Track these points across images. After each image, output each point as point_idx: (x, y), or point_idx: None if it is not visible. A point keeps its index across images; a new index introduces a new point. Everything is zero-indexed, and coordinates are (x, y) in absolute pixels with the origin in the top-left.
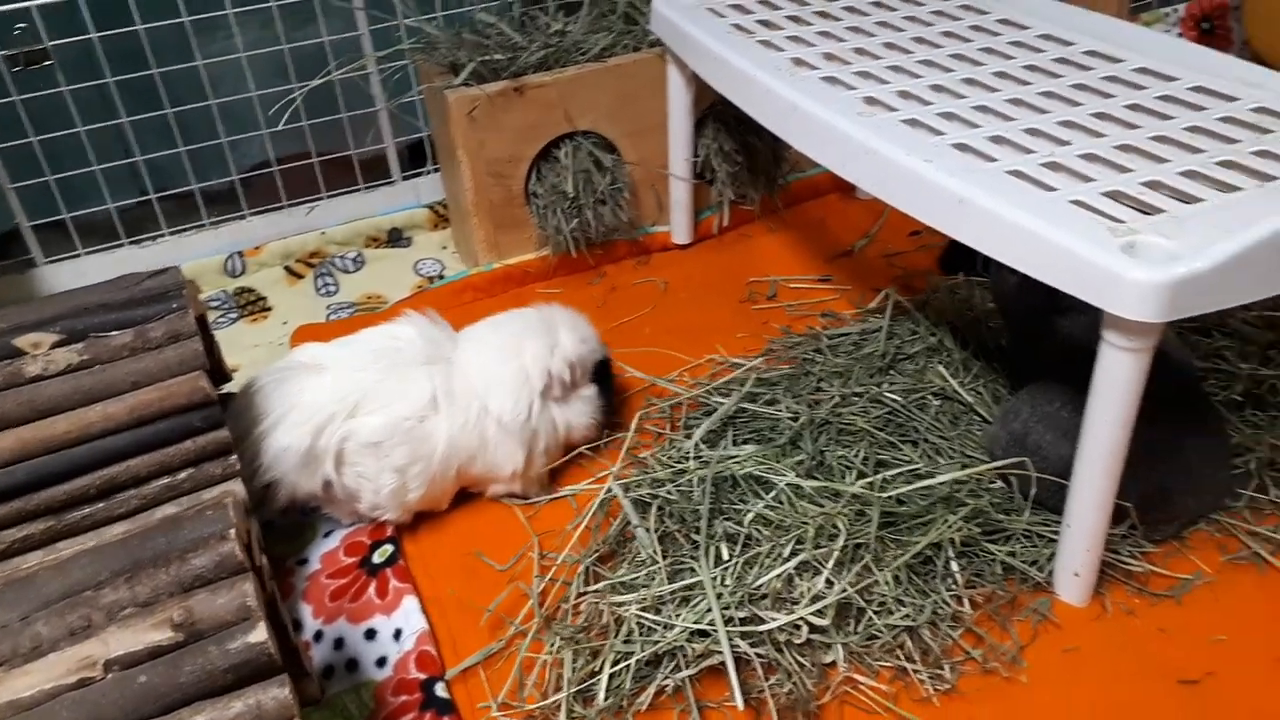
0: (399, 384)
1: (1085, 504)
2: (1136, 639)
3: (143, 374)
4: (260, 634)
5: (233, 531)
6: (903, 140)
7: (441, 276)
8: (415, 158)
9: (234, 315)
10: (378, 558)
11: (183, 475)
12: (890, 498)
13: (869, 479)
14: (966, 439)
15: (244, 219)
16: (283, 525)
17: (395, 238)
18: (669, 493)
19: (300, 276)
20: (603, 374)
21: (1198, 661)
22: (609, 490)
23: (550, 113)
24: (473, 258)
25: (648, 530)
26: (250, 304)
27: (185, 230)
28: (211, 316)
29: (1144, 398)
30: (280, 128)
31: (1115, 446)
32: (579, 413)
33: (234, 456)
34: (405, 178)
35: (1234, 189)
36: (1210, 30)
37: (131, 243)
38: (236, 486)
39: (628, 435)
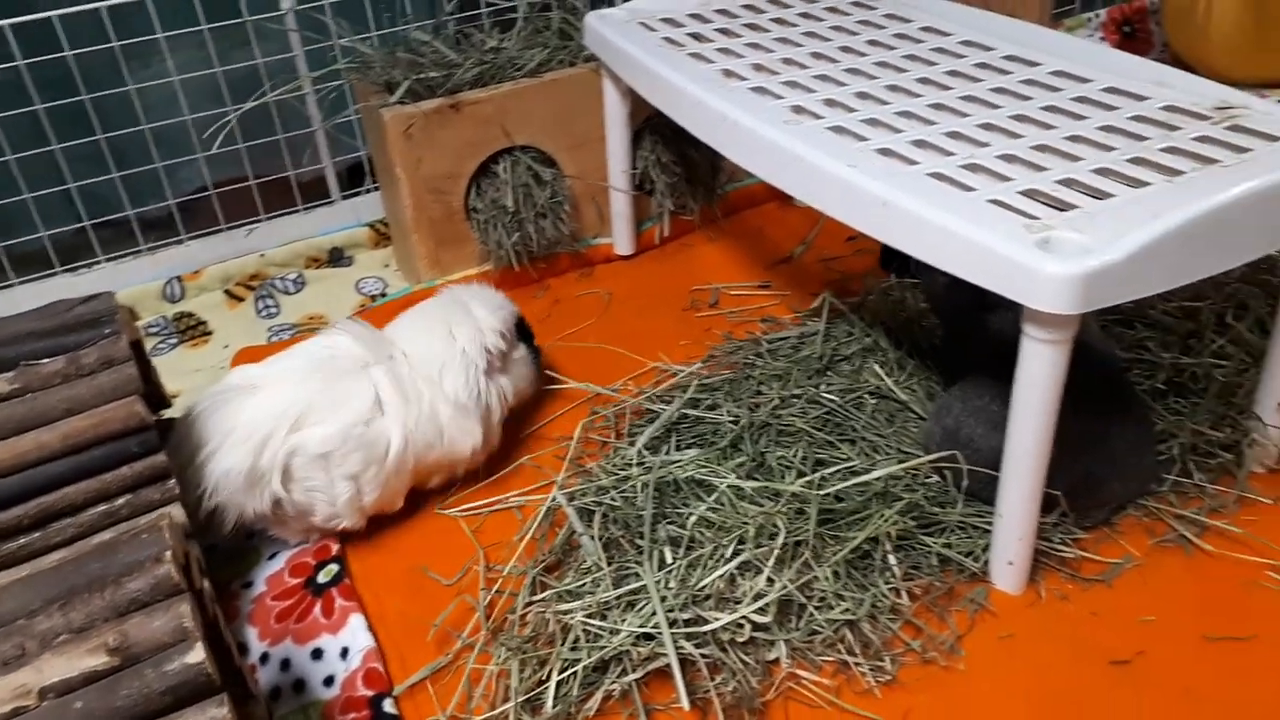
0: (342, 391)
1: (1015, 494)
2: (1070, 623)
3: (76, 401)
4: (198, 654)
5: (168, 554)
6: (828, 147)
7: (384, 295)
8: (355, 177)
9: (174, 341)
10: (323, 577)
11: (120, 501)
12: (828, 495)
13: (808, 478)
14: (903, 435)
15: (182, 244)
16: (227, 549)
17: (336, 257)
18: (613, 499)
19: (240, 299)
20: (523, 331)
21: (1128, 642)
22: (554, 500)
23: (487, 128)
24: (415, 275)
25: (592, 538)
26: (190, 329)
27: (122, 257)
28: (151, 343)
29: (1070, 389)
30: (217, 151)
31: (1041, 437)
32: (519, 376)
33: (173, 481)
34: (345, 197)
35: (1144, 184)
36: (1131, 33)
37: (67, 270)
38: (175, 510)
39: (571, 445)
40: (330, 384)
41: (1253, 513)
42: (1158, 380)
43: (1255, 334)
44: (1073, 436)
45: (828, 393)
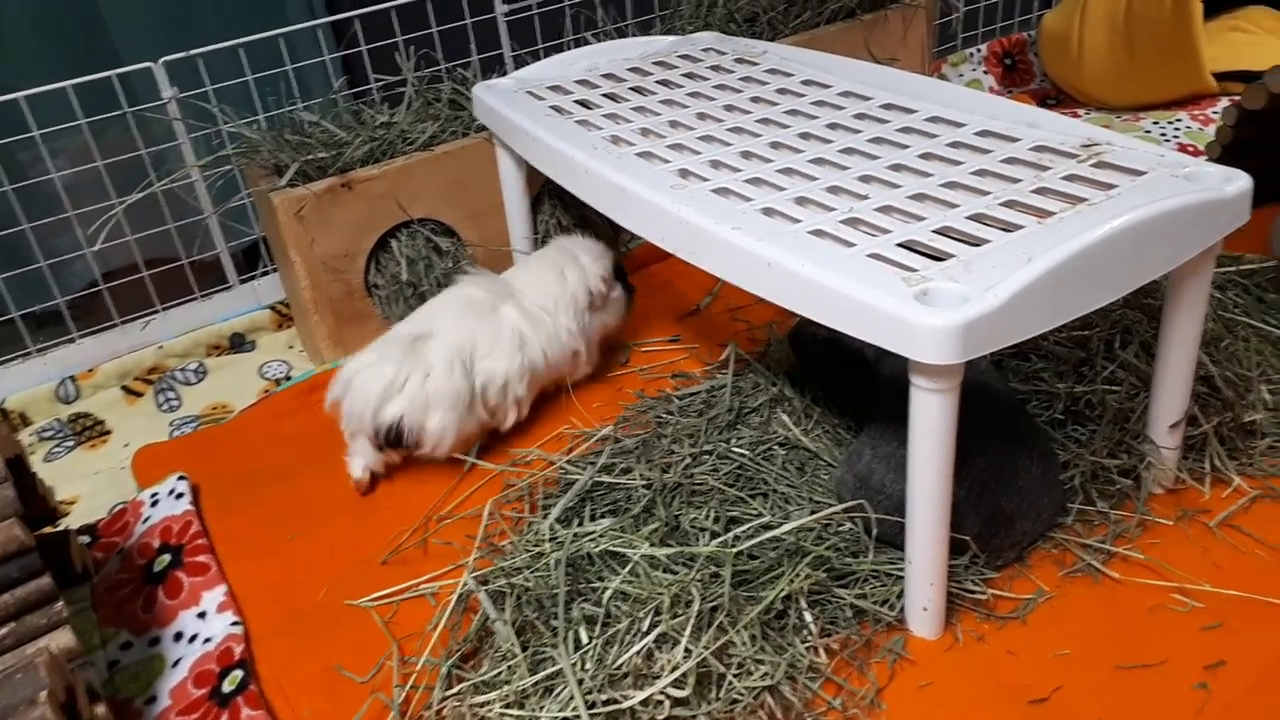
0: (493, 329)
1: (922, 540)
2: (987, 664)
3: None
4: None
5: (44, 694)
6: (713, 210)
7: (289, 378)
8: (252, 259)
9: (70, 444)
10: (227, 686)
11: (3, 631)
12: (741, 553)
13: (721, 538)
14: (814, 485)
15: (74, 342)
16: (128, 663)
17: (238, 343)
18: (526, 580)
19: (139, 395)
20: (621, 274)
21: (1045, 679)
22: (465, 585)
23: (382, 204)
24: (319, 356)
25: (506, 623)
26: (87, 430)
27: (9, 360)
28: (46, 448)
29: (971, 429)
30: (106, 244)
31: (941, 482)
32: (614, 313)
33: (60, 604)
34: (243, 281)
35: (1017, 227)
36: (1013, 65)
37: None
38: (61, 637)
39: (481, 524)
40: (481, 324)
41: (1155, 535)
42: (1055, 411)
43: (1141, 359)
44: (980, 476)
45: (738, 447)
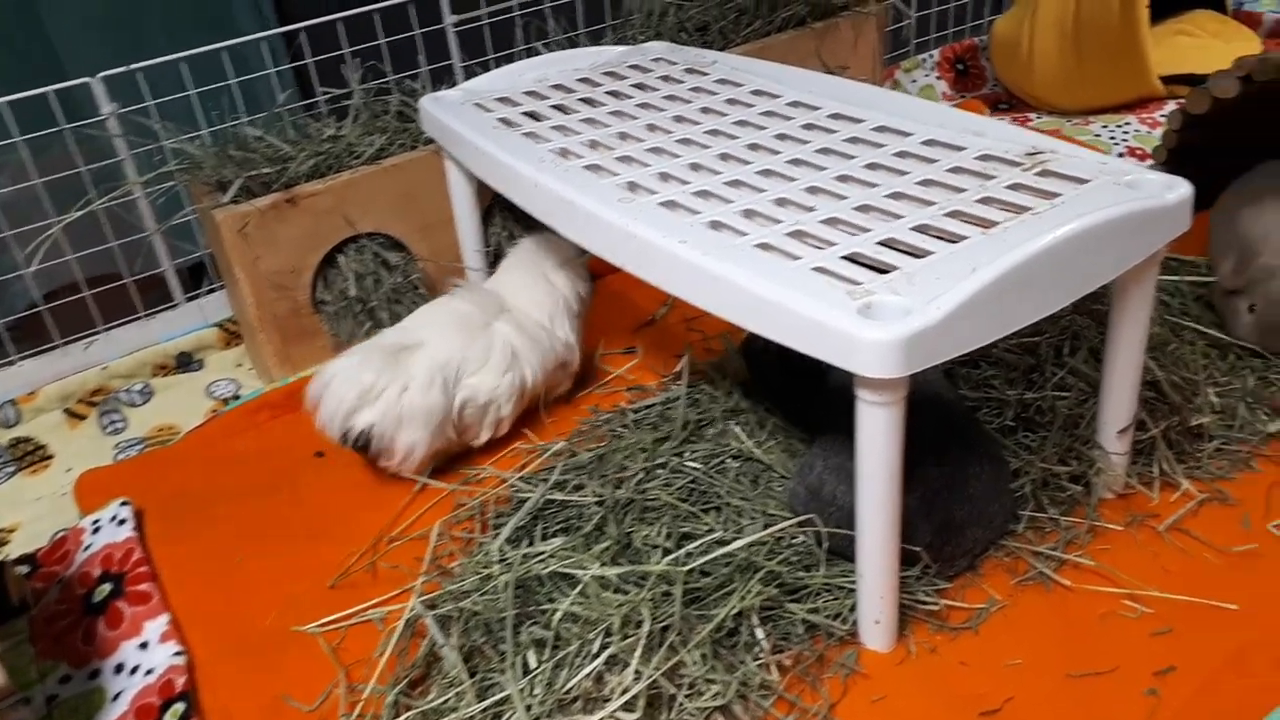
0: (483, 346)
1: (873, 552)
2: (940, 677)
3: None
4: None
5: None
6: (660, 224)
7: (237, 397)
8: (199, 276)
9: (11, 469)
10: (169, 719)
11: None
12: (692, 570)
13: (673, 555)
14: (768, 498)
15: (14, 364)
16: (67, 697)
17: (185, 362)
18: (474, 603)
19: (82, 418)
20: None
21: (997, 690)
22: (413, 609)
23: (328, 219)
24: (267, 374)
25: (453, 649)
26: (29, 454)
27: None
28: None
29: (920, 438)
30: (47, 264)
31: (889, 494)
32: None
33: None
34: (189, 299)
35: (961, 238)
36: (965, 71)
37: None
38: None
39: (429, 546)
40: (472, 340)
41: (1105, 541)
42: (1006, 418)
43: (1090, 364)
44: (930, 486)
45: (691, 460)
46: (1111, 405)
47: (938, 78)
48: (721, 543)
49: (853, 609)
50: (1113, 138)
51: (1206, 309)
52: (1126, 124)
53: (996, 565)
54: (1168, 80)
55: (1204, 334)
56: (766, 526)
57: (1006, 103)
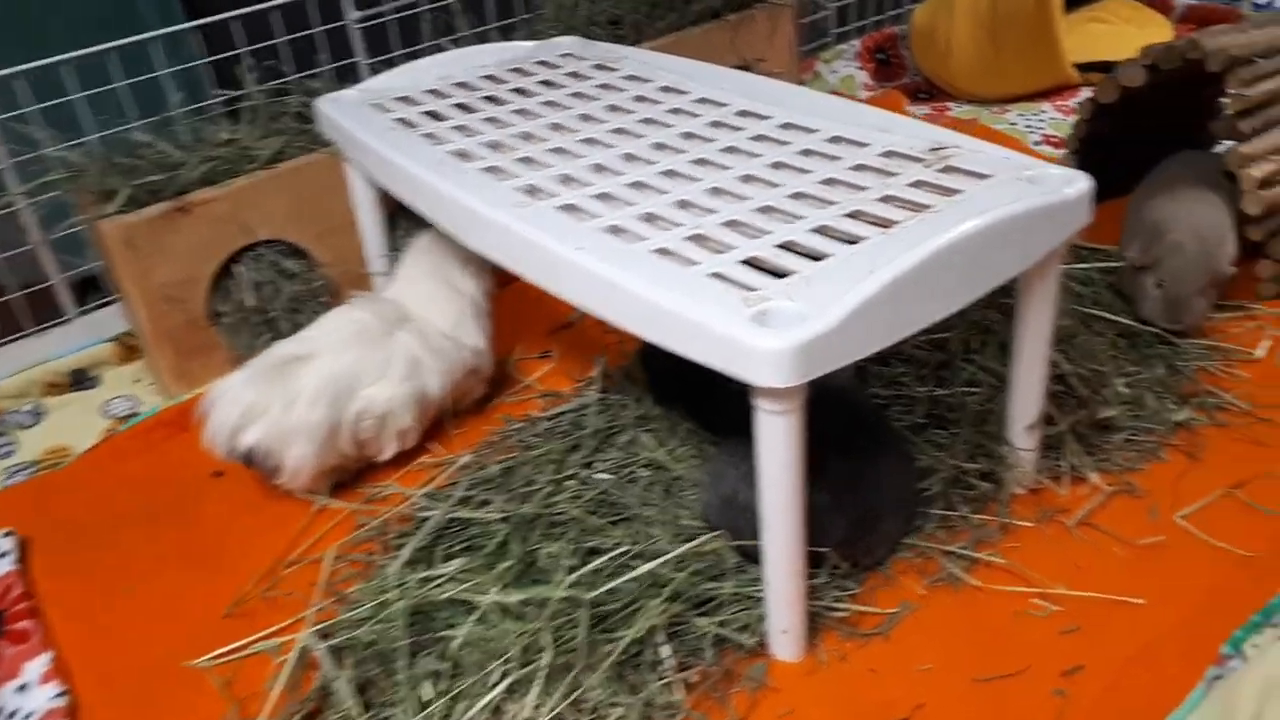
0: (383, 358)
1: (778, 559)
2: (850, 685)
3: None
4: None
5: None
6: (557, 229)
7: (135, 415)
8: (93, 288)
9: None
10: None
11: None
12: (601, 593)
13: (578, 573)
14: (679, 508)
15: None
16: None
17: (79, 380)
18: (370, 631)
19: None
20: None
21: (908, 695)
22: (304, 640)
23: (223, 227)
24: (166, 390)
25: (345, 682)
26: None
27: None
28: None
29: (828, 433)
30: None
31: (793, 501)
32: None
33: None
34: (81, 313)
35: (860, 239)
36: (886, 60)
37: None
38: None
39: (322, 572)
40: (370, 351)
41: (1015, 538)
42: (917, 415)
43: (999, 360)
44: (841, 480)
45: (602, 470)
46: (1019, 401)
47: (859, 68)
48: (628, 567)
49: (762, 619)
50: (1029, 126)
51: (1119, 297)
52: (1042, 112)
53: (908, 566)
54: (1083, 68)
55: (1114, 323)
56: (677, 536)
57: (927, 92)
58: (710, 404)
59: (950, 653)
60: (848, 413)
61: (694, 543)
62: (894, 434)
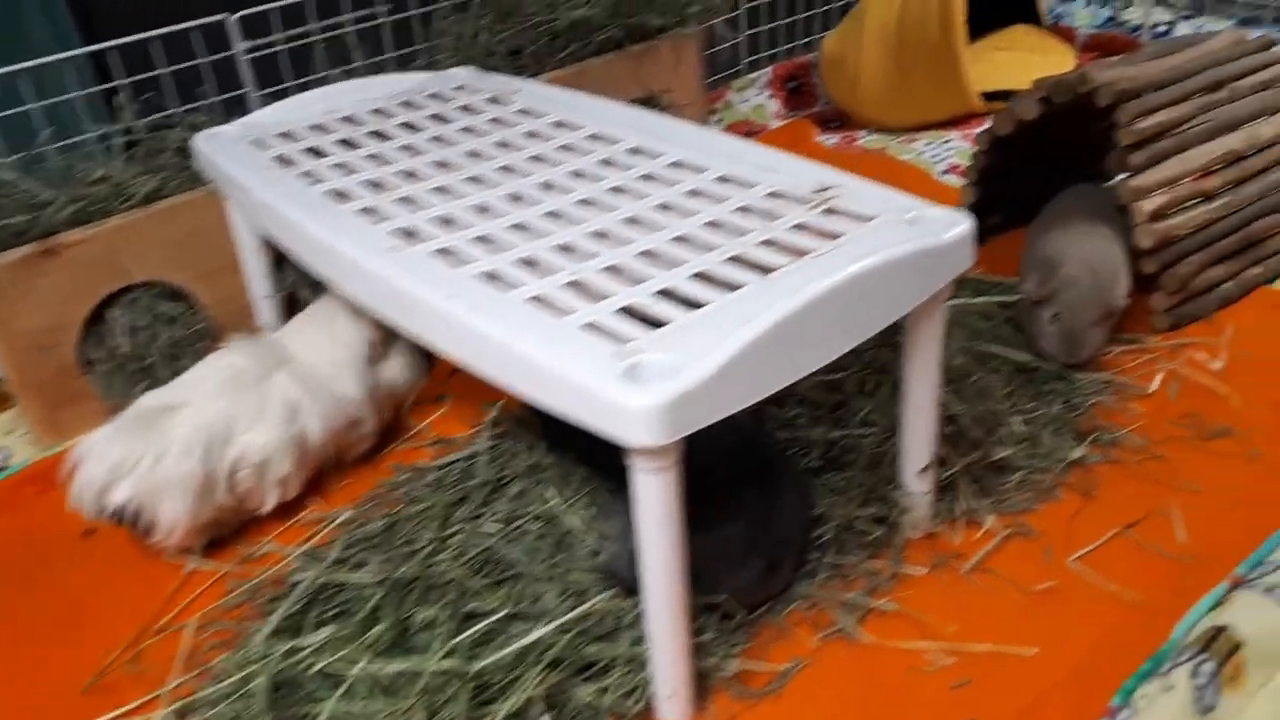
0: (257, 402)
1: (661, 618)
2: None
3: None
4: None
5: None
6: (428, 275)
7: (6, 467)
8: None
9: None
10: None
11: None
12: (473, 660)
13: (455, 640)
14: (570, 564)
15: None
16: None
17: None
18: (229, 709)
19: None
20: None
21: None
22: None
23: (95, 270)
24: (37, 442)
25: None
26: None
27: None
28: None
29: (733, 468)
30: None
31: (673, 557)
32: (401, 375)
33: None
34: None
35: (738, 286)
36: (797, 89)
37: None
38: None
39: (181, 643)
40: (243, 396)
41: (909, 587)
42: (813, 458)
43: (893, 400)
44: (759, 517)
45: (489, 524)
46: (911, 443)
47: (770, 96)
48: (507, 632)
49: (649, 683)
50: (935, 156)
51: (1018, 331)
52: (949, 141)
53: (801, 617)
54: (989, 96)
55: (1010, 360)
56: (564, 594)
57: (837, 121)
58: (604, 449)
59: (842, 711)
60: (753, 451)
61: (585, 606)
62: (793, 472)
